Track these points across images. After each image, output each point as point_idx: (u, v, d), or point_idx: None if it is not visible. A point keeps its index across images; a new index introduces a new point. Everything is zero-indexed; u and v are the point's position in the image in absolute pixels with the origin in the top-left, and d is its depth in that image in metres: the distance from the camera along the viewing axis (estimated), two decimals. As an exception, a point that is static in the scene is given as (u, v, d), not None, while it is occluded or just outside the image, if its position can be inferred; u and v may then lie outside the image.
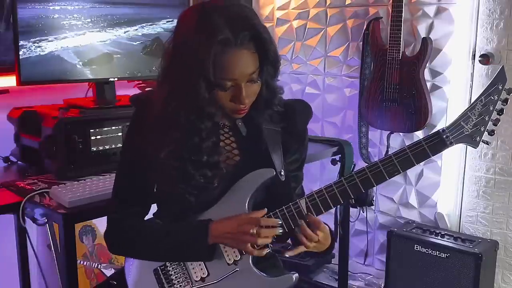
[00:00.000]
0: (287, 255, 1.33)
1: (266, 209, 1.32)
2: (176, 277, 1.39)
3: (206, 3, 1.27)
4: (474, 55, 2.57)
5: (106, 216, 1.45)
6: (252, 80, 1.27)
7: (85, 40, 2.08)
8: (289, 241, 1.43)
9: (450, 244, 2.45)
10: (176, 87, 1.26)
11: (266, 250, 1.30)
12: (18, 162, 2.11)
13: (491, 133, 1.25)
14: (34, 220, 1.70)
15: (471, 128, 1.24)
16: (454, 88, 2.63)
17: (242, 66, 1.23)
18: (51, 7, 1.97)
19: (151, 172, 1.39)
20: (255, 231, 1.25)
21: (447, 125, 1.26)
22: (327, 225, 1.36)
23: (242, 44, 1.21)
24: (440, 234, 2.53)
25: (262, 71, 1.27)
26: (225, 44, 1.20)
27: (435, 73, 2.66)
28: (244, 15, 1.23)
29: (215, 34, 1.19)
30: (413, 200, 2.81)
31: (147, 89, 2.49)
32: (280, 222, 1.30)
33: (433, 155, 1.24)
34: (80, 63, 2.09)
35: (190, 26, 1.24)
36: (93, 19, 2.10)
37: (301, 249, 1.32)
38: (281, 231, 1.29)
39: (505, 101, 1.24)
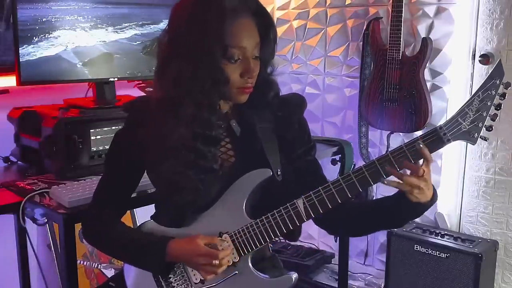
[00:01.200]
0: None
1: (225, 235, 1.33)
2: (175, 279, 1.39)
3: None
4: (474, 55, 2.57)
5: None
6: (255, 56, 1.31)
7: (85, 40, 2.09)
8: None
9: (450, 244, 2.45)
10: (187, 63, 1.26)
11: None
12: (18, 162, 2.11)
13: (489, 128, 1.22)
14: (34, 220, 1.70)
15: (468, 124, 1.22)
16: (454, 88, 2.63)
17: (249, 35, 1.28)
18: (51, 7, 1.98)
19: (152, 170, 1.41)
20: (217, 262, 1.27)
21: (444, 121, 1.25)
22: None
23: (247, 14, 1.27)
24: (440, 234, 2.53)
25: (261, 48, 1.32)
26: (233, 12, 1.25)
27: (435, 73, 2.66)
28: None
29: (224, 3, 1.24)
30: (413, 200, 2.81)
31: (147, 89, 2.50)
32: (232, 248, 1.32)
33: (431, 153, 1.22)
34: (80, 63, 2.09)
35: (193, 5, 1.27)
36: (93, 20, 2.10)
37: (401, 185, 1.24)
38: (235, 259, 1.32)
39: (503, 95, 1.22)
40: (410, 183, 1.22)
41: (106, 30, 2.14)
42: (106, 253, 1.56)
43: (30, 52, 1.93)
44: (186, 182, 1.31)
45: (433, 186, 1.29)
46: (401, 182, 1.23)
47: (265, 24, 1.31)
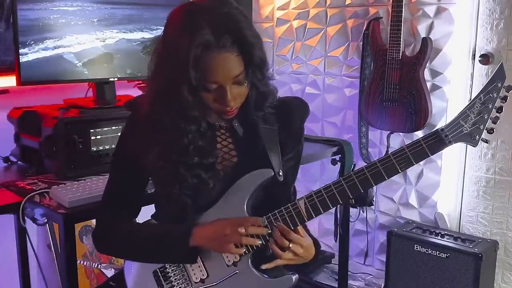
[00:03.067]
0: (263, 267, 1.32)
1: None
2: (175, 278, 1.39)
3: (194, 3, 1.26)
4: (474, 55, 2.57)
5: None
6: (238, 83, 1.25)
7: (86, 41, 2.08)
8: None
9: (450, 244, 2.45)
10: (162, 88, 1.26)
11: (243, 250, 1.30)
12: (18, 162, 2.11)
13: (490, 131, 1.23)
14: (34, 220, 1.70)
15: (470, 126, 1.22)
16: (454, 88, 2.63)
17: (224, 69, 1.21)
18: (52, 8, 1.97)
19: (146, 173, 1.41)
20: (243, 230, 1.26)
21: (445, 124, 1.25)
22: (313, 237, 1.36)
23: (224, 47, 1.19)
24: (440, 234, 2.53)
25: (247, 74, 1.26)
26: (207, 47, 1.18)
27: (435, 73, 2.66)
28: (230, 18, 1.21)
29: (196, 36, 1.17)
30: (413, 200, 2.81)
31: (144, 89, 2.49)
32: (266, 223, 1.30)
33: (432, 155, 1.23)
34: (80, 63, 2.09)
35: (175, 26, 1.24)
36: (93, 20, 2.09)
37: (277, 262, 1.30)
38: (269, 231, 1.29)
39: (504, 98, 1.22)
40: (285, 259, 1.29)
41: (106, 30, 2.13)
42: (125, 257, 1.48)
43: (30, 53, 1.93)
44: (171, 196, 1.32)
45: (316, 246, 1.36)
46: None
47: (248, 53, 1.22)
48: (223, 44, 1.19)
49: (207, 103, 1.27)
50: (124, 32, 2.19)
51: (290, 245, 1.28)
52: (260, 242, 1.29)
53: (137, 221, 1.47)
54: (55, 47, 2.00)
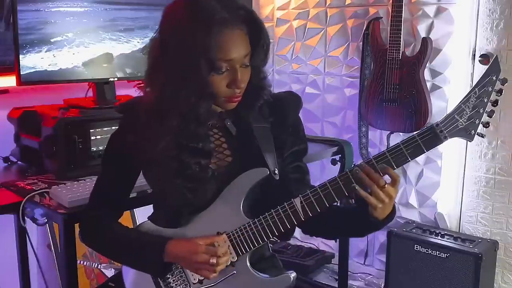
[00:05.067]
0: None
1: (223, 234, 1.33)
2: (174, 279, 1.39)
3: None
4: (474, 55, 2.57)
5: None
6: (245, 64, 1.28)
7: (85, 41, 2.09)
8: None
9: (450, 244, 2.45)
10: (174, 73, 1.26)
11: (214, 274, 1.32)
12: (18, 162, 2.11)
13: (486, 125, 1.22)
14: (34, 220, 1.70)
15: (465, 121, 1.21)
16: (454, 88, 2.64)
17: (237, 47, 1.25)
18: (52, 9, 1.98)
19: (138, 171, 1.43)
20: (214, 261, 1.27)
21: (441, 119, 1.24)
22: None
23: (236, 24, 1.24)
24: (440, 234, 2.53)
25: (253, 55, 1.29)
26: (222, 24, 1.21)
27: (435, 73, 2.67)
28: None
29: (212, 14, 1.21)
30: (413, 200, 2.81)
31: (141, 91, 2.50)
32: (229, 245, 1.32)
33: (427, 150, 1.22)
34: (80, 63, 2.09)
35: (182, 12, 1.24)
36: (93, 21, 2.10)
37: (370, 198, 1.27)
38: (232, 259, 1.32)
39: (500, 91, 1.21)
40: (377, 196, 1.26)
41: (106, 32, 2.14)
42: (103, 255, 1.56)
43: (30, 53, 1.93)
44: (172, 190, 1.33)
45: (394, 207, 1.34)
46: (371, 194, 1.26)
47: (256, 32, 1.28)
48: (236, 22, 1.23)
49: (217, 89, 1.27)
50: (125, 34, 2.19)
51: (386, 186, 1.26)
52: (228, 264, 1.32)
53: (120, 224, 1.48)
54: (55, 48, 2.00)
